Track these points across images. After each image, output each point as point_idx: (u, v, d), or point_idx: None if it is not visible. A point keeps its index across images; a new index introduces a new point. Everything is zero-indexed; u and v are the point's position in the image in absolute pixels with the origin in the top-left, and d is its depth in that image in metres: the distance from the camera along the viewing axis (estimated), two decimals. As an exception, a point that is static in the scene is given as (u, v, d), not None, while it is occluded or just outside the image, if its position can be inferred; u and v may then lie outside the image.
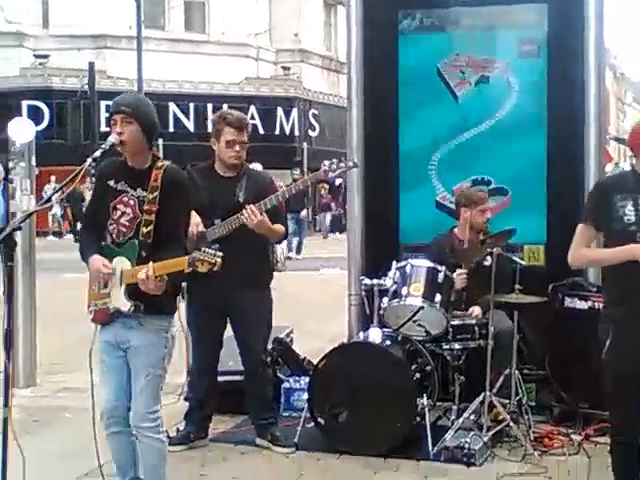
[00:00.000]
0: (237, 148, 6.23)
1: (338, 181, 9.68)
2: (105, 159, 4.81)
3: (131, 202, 4.71)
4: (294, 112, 33.33)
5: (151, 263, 4.50)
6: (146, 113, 4.76)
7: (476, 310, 6.77)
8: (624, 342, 4.61)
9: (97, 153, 4.65)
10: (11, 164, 8.56)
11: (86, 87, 26.07)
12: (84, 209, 5.14)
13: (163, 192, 4.68)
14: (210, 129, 6.62)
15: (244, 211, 6.03)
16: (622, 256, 4.57)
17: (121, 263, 4.67)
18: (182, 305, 6.35)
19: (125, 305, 4.66)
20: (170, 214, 4.70)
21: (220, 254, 4.43)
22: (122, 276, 4.65)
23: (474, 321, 6.63)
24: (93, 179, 5.55)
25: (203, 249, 4.50)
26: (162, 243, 4.66)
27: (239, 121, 6.29)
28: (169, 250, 4.62)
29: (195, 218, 6.10)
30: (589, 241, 4.81)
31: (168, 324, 4.81)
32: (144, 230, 4.65)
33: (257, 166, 19.74)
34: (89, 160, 4.61)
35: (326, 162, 6.28)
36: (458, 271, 6.73)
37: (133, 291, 4.62)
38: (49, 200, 5.75)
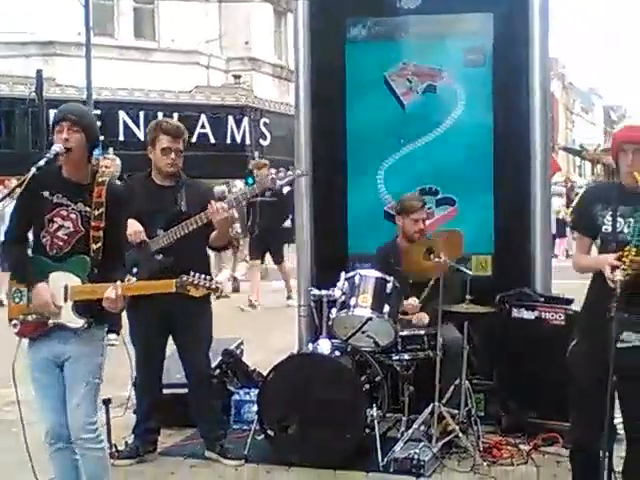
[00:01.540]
0: (173, 156, 6.18)
1: (286, 189, 9.67)
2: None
3: (72, 216, 4.64)
4: (245, 121, 33.22)
5: (119, 282, 4.50)
6: (91, 123, 4.76)
7: (423, 316, 6.75)
8: (582, 350, 4.67)
9: (41, 162, 4.58)
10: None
11: (34, 95, 25.76)
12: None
13: (108, 209, 4.64)
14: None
15: (211, 206, 5.95)
16: (592, 266, 4.65)
17: (64, 278, 4.60)
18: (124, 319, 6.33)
19: (76, 322, 4.60)
20: (115, 230, 4.70)
21: (219, 280, 4.48)
22: (68, 292, 4.59)
23: (423, 332, 6.62)
24: None
25: (194, 273, 4.55)
26: (109, 259, 4.64)
27: (175, 129, 6.24)
28: (116, 268, 4.67)
29: (137, 227, 6.06)
30: (584, 246, 4.83)
31: (103, 333, 4.79)
32: (94, 247, 4.61)
33: (239, 183, 19.45)
34: (33, 169, 4.54)
35: (273, 170, 6.27)
36: (410, 300, 6.74)
37: (84, 307, 4.59)
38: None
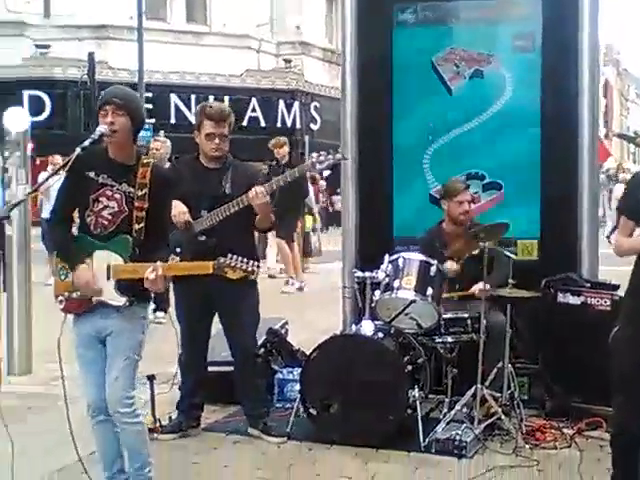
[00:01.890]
0: (217, 141, 6.22)
1: (326, 173, 9.73)
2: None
3: (116, 196, 4.70)
4: (295, 105, 33.31)
5: (159, 263, 4.55)
6: (136, 106, 4.81)
7: (479, 286, 6.71)
8: (628, 335, 4.67)
9: (86, 142, 4.66)
10: (6, 153, 8.59)
11: (86, 77, 26.02)
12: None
13: (151, 190, 4.70)
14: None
15: (250, 191, 6.03)
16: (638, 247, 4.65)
17: (107, 257, 4.67)
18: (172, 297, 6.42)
19: (118, 300, 4.67)
20: (158, 211, 4.75)
21: (256, 263, 4.57)
22: (110, 271, 4.66)
23: (467, 314, 6.64)
24: None
25: (231, 255, 4.59)
26: (151, 239, 4.71)
27: (219, 114, 6.26)
28: (159, 248, 4.73)
29: (182, 207, 6.13)
30: (629, 230, 4.82)
31: (146, 311, 4.87)
32: (136, 227, 4.67)
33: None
34: (78, 150, 4.60)
35: (314, 154, 6.30)
36: (449, 263, 6.77)
37: (126, 286, 4.66)
38: (36, 190, 5.74)
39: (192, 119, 30.30)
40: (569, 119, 7.31)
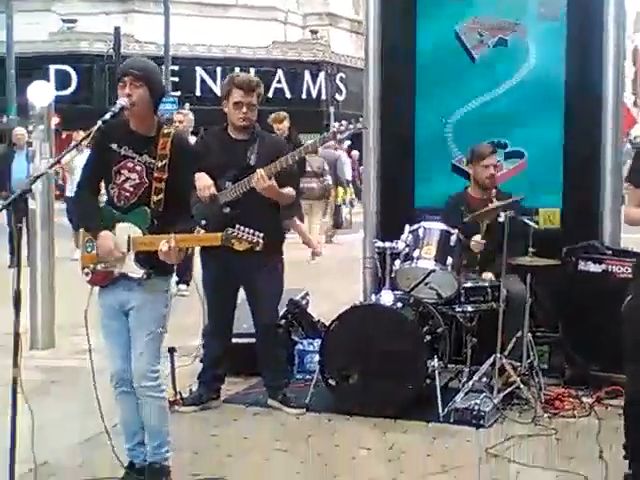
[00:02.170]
0: (244, 110, 6.21)
1: (346, 143, 9.61)
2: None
3: (137, 168, 4.71)
4: (321, 76, 33.23)
5: (173, 235, 4.54)
6: (155, 78, 4.79)
7: (489, 276, 6.76)
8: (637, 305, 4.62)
9: (107, 116, 4.64)
10: (30, 127, 8.61)
11: (112, 52, 26.08)
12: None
13: (172, 160, 4.70)
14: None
15: (254, 175, 6.05)
16: None
17: (128, 229, 4.68)
18: (198, 266, 6.43)
19: (137, 272, 4.69)
20: (179, 182, 4.73)
21: (261, 234, 4.53)
22: (131, 243, 4.68)
23: (487, 284, 6.62)
24: None
25: (238, 226, 4.58)
26: (171, 211, 4.70)
27: (247, 83, 6.26)
28: (182, 220, 4.71)
29: (207, 181, 6.13)
30: (638, 199, 4.79)
31: (168, 284, 4.86)
32: (155, 198, 4.67)
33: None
34: (99, 122, 4.60)
35: (336, 124, 6.27)
36: (476, 237, 6.73)
37: (145, 258, 4.66)
38: (57, 163, 5.75)
39: (218, 92, 30.31)
40: (593, 87, 7.27)
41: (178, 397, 6.31)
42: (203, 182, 6.09)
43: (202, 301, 6.61)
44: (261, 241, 4.51)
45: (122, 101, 4.64)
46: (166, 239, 4.52)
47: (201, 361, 6.79)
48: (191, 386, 6.61)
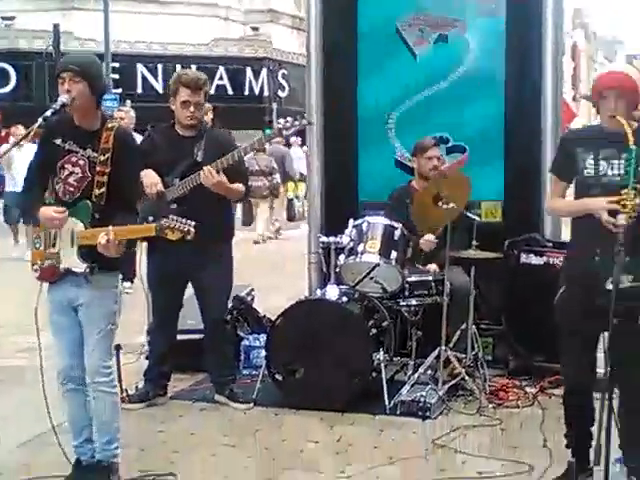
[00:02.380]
0: (192, 109, 6.23)
1: (292, 139, 9.54)
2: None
3: (80, 162, 4.71)
4: (263, 72, 33.16)
5: (111, 227, 4.53)
6: (94, 72, 4.78)
7: (433, 267, 6.83)
8: (570, 297, 4.71)
9: (48, 113, 4.67)
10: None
11: (51, 49, 25.81)
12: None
13: (115, 154, 4.70)
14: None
15: (201, 171, 6.05)
16: (579, 209, 4.67)
17: (71, 223, 4.67)
18: (143, 263, 6.42)
19: (80, 266, 4.68)
20: (121, 176, 4.72)
21: (192, 223, 4.53)
22: (74, 237, 4.67)
23: (431, 277, 6.69)
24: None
25: (172, 216, 4.57)
26: (114, 205, 4.69)
27: (194, 81, 6.27)
28: (122, 214, 4.68)
29: (154, 177, 6.13)
30: (559, 190, 4.87)
31: (116, 280, 4.86)
32: (97, 192, 4.67)
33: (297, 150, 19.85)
34: (40, 120, 4.64)
35: (281, 120, 6.29)
36: (428, 236, 6.79)
37: (87, 252, 4.65)
38: (-1, 156, 5.74)
39: (159, 89, 30.25)
40: (532, 82, 7.36)
41: (124, 394, 6.28)
42: (150, 179, 6.09)
43: (147, 297, 6.60)
44: (192, 230, 4.51)
45: (62, 98, 4.67)
46: (105, 232, 4.52)
47: (146, 358, 6.79)
48: (137, 383, 6.60)
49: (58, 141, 4.75)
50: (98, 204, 4.66)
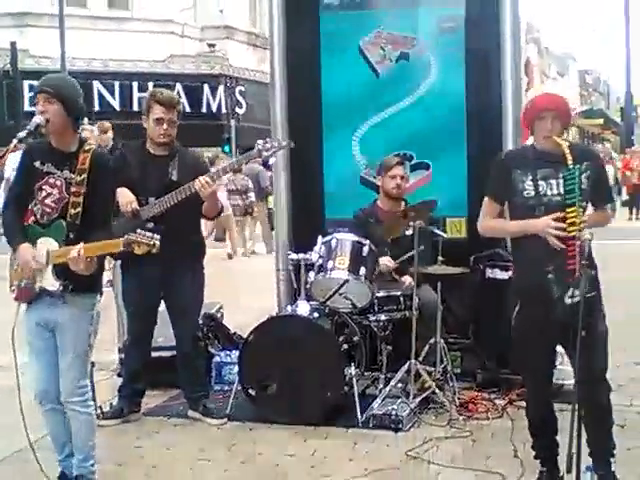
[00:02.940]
0: (165, 126, 6.31)
1: (272, 160, 9.57)
2: (31, 140, 4.91)
3: (58, 183, 4.78)
4: (220, 89, 33.12)
5: (82, 243, 4.60)
6: (69, 94, 4.83)
7: (408, 279, 6.93)
8: (527, 315, 4.85)
9: (22, 134, 4.77)
10: None
11: (9, 67, 25.68)
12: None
13: (91, 175, 4.77)
14: (136, 107, 6.67)
15: (196, 181, 6.11)
16: (522, 229, 4.80)
17: (47, 243, 4.74)
18: (118, 281, 6.47)
19: (53, 285, 4.75)
20: (97, 196, 4.80)
21: (157, 236, 4.59)
22: (49, 256, 4.73)
23: (399, 292, 6.81)
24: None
25: (139, 231, 4.64)
26: (88, 225, 4.76)
27: (169, 100, 6.37)
28: (97, 233, 4.74)
29: (129, 196, 6.19)
30: (495, 212, 5.01)
31: (93, 301, 4.92)
32: (72, 212, 4.74)
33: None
34: (14, 141, 4.73)
35: (260, 141, 6.35)
36: (384, 259, 6.91)
37: (61, 270, 4.72)
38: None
39: (116, 106, 30.14)
40: (494, 98, 7.45)
41: (99, 411, 6.33)
42: (125, 197, 6.16)
43: (120, 314, 6.65)
44: (157, 243, 4.56)
45: (37, 119, 4.75)
46: (75, 248, 4.59)
47: (119, 375, 6.84)
48: (111, 400, 6.65)
49: (37, 163, 4.82)
50: (73, 224, 4.73)
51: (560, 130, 4.77)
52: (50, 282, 4.76)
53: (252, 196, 18.27)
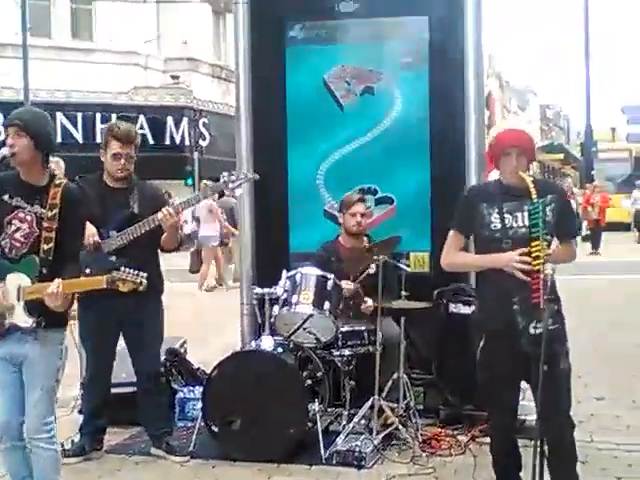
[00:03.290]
0: (122, 161, 6.29)
1: (238, 192, 9.44)
2: None
3: (28, 217, 4.74)
4: (184, 121, 33.12)
5: (58, 280, 4.57)
6: (38, 128, 4.79)
7: (369, 300, 6.91)
8: (493, 348, 4.85)
9: None
10: None
11: (-29, 97, 25.63)
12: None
13: (62, 210, 4.74)
14: (99, 139, 6.65)
15: (160, 212, 6.10)
16: (487, 263, 4.85)
17: (18, 279, 4.68)
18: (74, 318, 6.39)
19: (26, 322, 4.68)
20: (69, 231, 4.77)
21: (144, 274, 4.60)
22: (20, 292, 4.67)
23: (363, 327, 6.79)
24: None
25: (123, 268, 4.64)
26: (59, 259, 4.72)
27: (126, 134, 6.34)
28: (67, 267, 4.71)
29: (91, 229, 6.14)
30: (459, 246, 5.06)
31: (63, 336, 4.87)
32: (45, 247, 4.70)
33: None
34: None
35: (225, 173, 6.35)
36: (344, 282, 6.89)
37: (34, 307, 4.66)
38: None
39: (79, 138, 30.03)
40: (456, 132, 7.48)
41: (60, 448, 6.24)
42: (87, 230, 6.10)
43: (79, 351, 6.57)
44: (145, 281, 4.59)
45: (4, 150, 4.75)
46: (53, 284, 4.54)
47: (80, 412, 6.75)
48: (73, 437, 6.57)
49: (5, 197, 4.76)
50: (46, 259, 4.69)
51: (525, 165, 4.83)
52: (22, 319, 4.69)
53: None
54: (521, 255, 4.63)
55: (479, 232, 4.89)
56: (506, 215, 4.77)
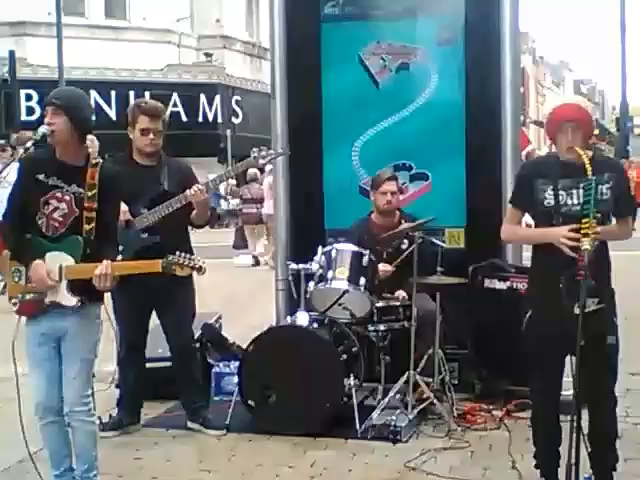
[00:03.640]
0: (151, 136, 6.29)
1: (268, 167, 9.47)
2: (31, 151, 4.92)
3: (66, 197, 4.77)
4: (217, 99, 33.22)
5: (107, 261, 4.62)
6: (77, 107, 4.81)
7: (402, 293, 6.95)
8: (540, 320, 4.85)
9: (29, 144, 4.78)
10: None
11: (6, 75, 25.67)
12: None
13: (100, 189, 4.77)
14: (131, 117, 6.64)
15: (191, 190, 6.14)
16: (538, 238, 4.87)
17: (59, 258, 4.72)
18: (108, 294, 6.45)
19: (70, 300, 4.73)
20: (108, 211, 4.82)
21: (204, 260, 4.66)
22: (62, 271, 4.71)
23: (398, 303, 6.81)
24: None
25: (179, 253, 4.71)
26: (100, 239, 4.77)
27: (154, 109, 6.36)
28: (107, 247, 4.79)
29: (122, 207, 6.18)
30: (517, 219, 5.07)
31: (99, 310, 4.94)
32: (87, 227, 4.74)
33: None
34: (21, 151, 4.71)
35: (255, 149, 6.36)
36: (382, 265, 6.90)
37: (78, 286, 4.72)
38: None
39: (113, 116, 30.18)
40: (492, 109, 7.45)
41: (98, 422, 6.32)
42: None
43: (114, 328, 6.63)
44: (205, 265, 4.62)
45: (42, 128, 4.76)
46: (102, 265, 4.59)
47: (117, 386, 6.81)
48: (110, 411, 6.64)
49: (41, 176, 4.79)
50: (89, 239, 4.73)
51: (581, 140, 4.76)
52: (65, 297, 4.75)
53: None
54: (571, 231, 4.61)
55: (534, 208, 4.90)
56: (560, 192, 4.75)
